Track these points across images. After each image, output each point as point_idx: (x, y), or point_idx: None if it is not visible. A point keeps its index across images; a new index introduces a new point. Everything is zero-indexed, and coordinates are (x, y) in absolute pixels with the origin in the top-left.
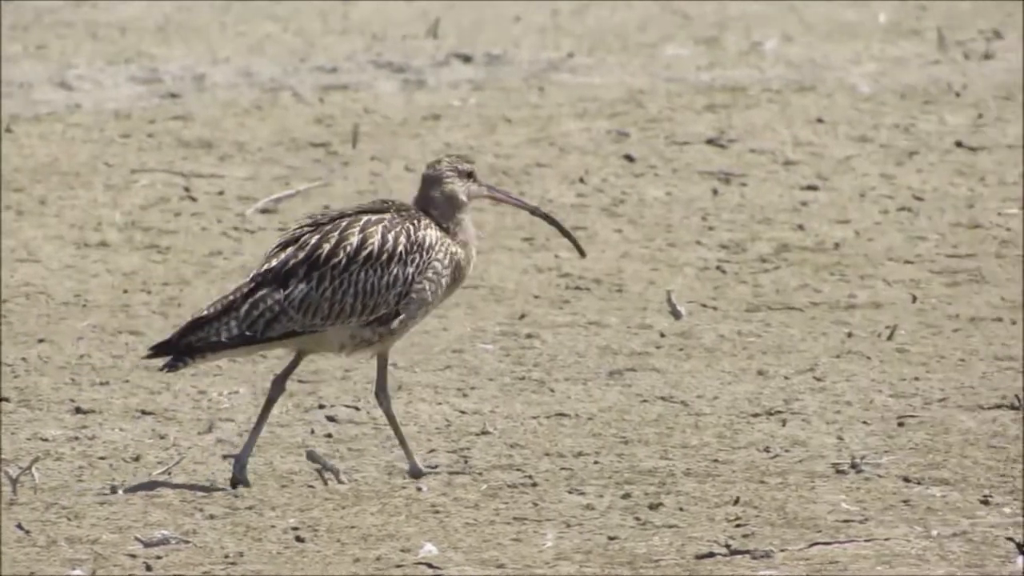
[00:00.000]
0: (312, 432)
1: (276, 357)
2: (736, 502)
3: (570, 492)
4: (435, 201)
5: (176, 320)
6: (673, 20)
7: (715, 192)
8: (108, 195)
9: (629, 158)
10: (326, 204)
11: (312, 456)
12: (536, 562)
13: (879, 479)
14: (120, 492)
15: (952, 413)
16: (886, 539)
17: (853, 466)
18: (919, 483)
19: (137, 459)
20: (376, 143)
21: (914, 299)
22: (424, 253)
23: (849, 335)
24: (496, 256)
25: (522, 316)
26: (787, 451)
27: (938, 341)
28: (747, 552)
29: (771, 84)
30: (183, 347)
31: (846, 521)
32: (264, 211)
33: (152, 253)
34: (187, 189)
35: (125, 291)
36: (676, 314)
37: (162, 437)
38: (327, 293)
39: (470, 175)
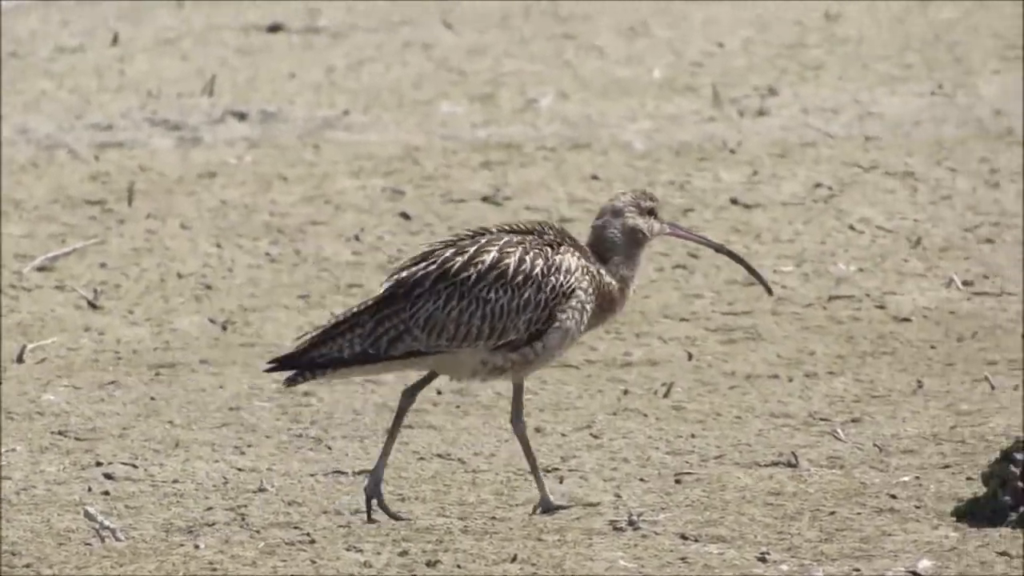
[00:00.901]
0: (89, 490)
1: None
2: (514, 559)
3: (348, 549)
4: (611, 235)
5: None
6: (448, 77)
7: None
8: None
9: (405, 216)
10: (102, 262)
11: (88, 515)
12: None
13: (656, 536)
14: None
15: (729, 470)
16: None
17: (630, 523)
18: (696, 540)
19: None
20: (152, 201)
21: (690, 356)
22: (562, 278)
23: (625, 392)
24: (272, 313)
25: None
26: (564, 508)
27: (714, 398)
28: None
29: (546, 141)
30: (305, 362)
31: None
32: (41, 269)
33: None
34: None
35: None
36: None
37: None
38: (453, 313)
39: (651, 212)
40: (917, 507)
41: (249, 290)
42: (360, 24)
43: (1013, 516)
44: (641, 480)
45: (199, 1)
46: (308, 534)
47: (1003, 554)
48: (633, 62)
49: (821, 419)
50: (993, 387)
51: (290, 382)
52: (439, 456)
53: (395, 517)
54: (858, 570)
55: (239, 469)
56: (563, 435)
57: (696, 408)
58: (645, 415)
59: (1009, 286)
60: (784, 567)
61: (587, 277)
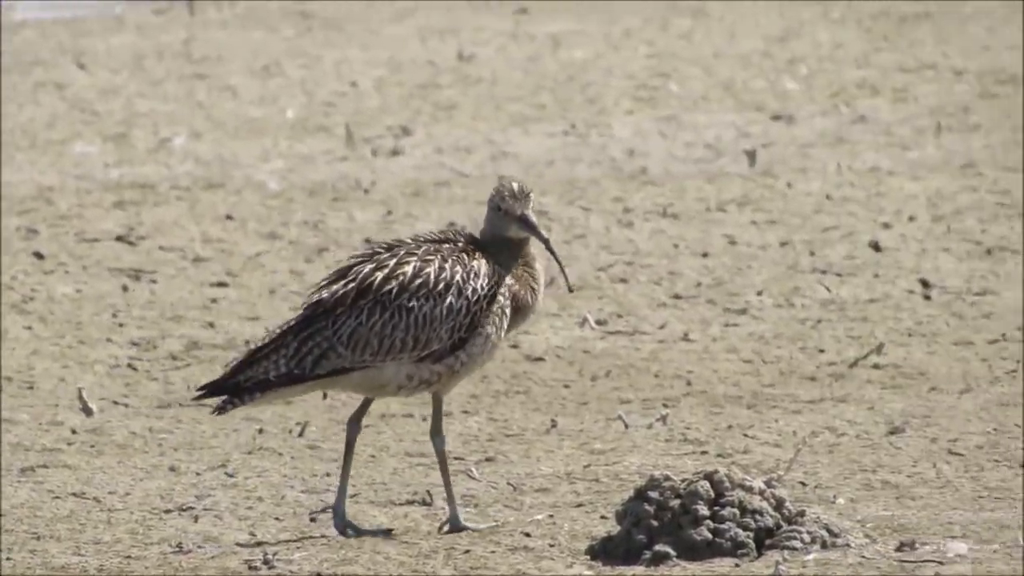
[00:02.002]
0: None
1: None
2: None
3: None
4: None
5: None
6: (81, 117)
7: (125, 289)
8: None
9: (39, 255)
10: None
11: None
12: None
13: (292, 575)
14: None
15: (364, 508)
16: None
17: (266, 562)
18: None
19: None
20: None
21: (324, 396)
22: (481, 283)
23: (260, 431)
24: None
25: None
26: (200, 547)
27: None
28: None
29: (180, 181)
30: (232, 387)
31: None
32: None
33: None
34: None
35: None
36: (87, 411)
37: None
38: (376, 327)
39: (497, 208)
40: (551, 545)
41: None
42: None
43: (647, 554)
44: (276, 519)
45: None
46: None
47: None
48: (266, 102)
49: (456, 458)
50: (627, 426)
51: (219, 410)
52: (73, 495)
53: (369, 533)
54: None
55: None
56: (198, 474)
57: (331, 447)
58: (280, 454)
59: (643, 325)
60: None
61: (502, 282)
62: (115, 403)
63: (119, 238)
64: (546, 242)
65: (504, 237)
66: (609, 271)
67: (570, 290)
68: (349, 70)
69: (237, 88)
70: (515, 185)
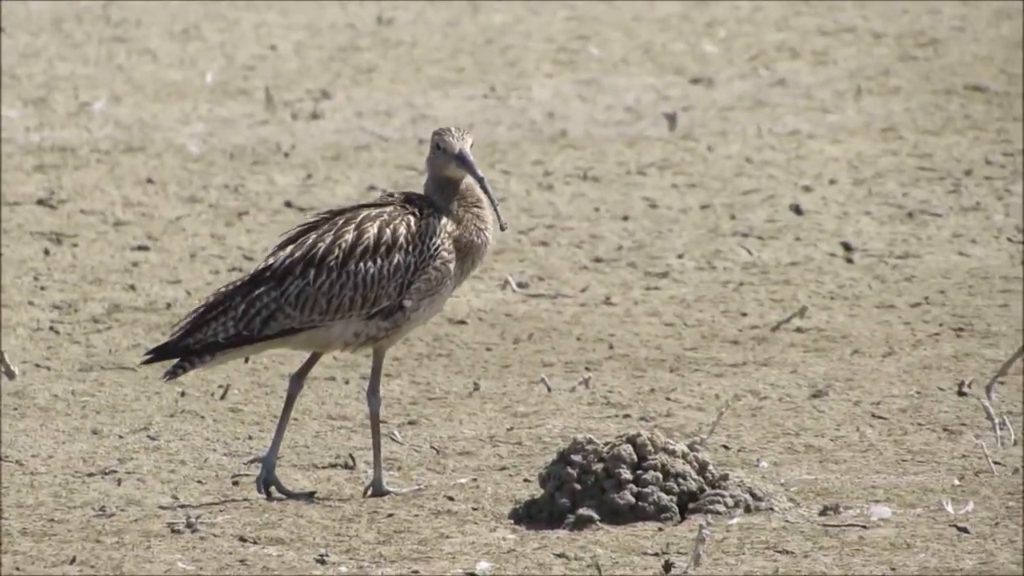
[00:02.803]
0: None
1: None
2: (73, 561)
3: None
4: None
5: None
6: (1, 80)
7: (47, 253)
8: None
9: None
10: None
11: None
12: None
13: (215, 538)
14: None
15: (286, 472)
16: None
17: (189, 525)
18: (255, 542)
19: None
20: None
21: (246, 359)
22: (428, 242)
23: (183, 394)
24: None
25: None
26: (123, 510)
27: (271, 400)
28: None
29: (100, 144)
30: (181, 350)
31: None
32: None
33: None
34: None
35: None
36: (10, 374)
37: None
38: (324, 288)
39: (438, 145)
40: (475, 509)
41: None
42: None
43: (571, 518)
44: (199, 482)
45: None
46: None
47: (561, 555)
48: (186, 65)
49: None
50: (549, 389)
51: (171, 375)
52: None
53: (293, 495)
54: (416, 572)
55: None
56: (120, 437)
57: (253, 410)
58: (202, 417)
59: (564, 288)
60: (343, 568)
61: (449, 239)
62: (37, 366)
63: (40, 202)
64: (480, 180)
65: (444, 177)
66: (530, 234)
67: (502, 228)
68: (268, 34)
69: (156, 51)
70: (454, 127)
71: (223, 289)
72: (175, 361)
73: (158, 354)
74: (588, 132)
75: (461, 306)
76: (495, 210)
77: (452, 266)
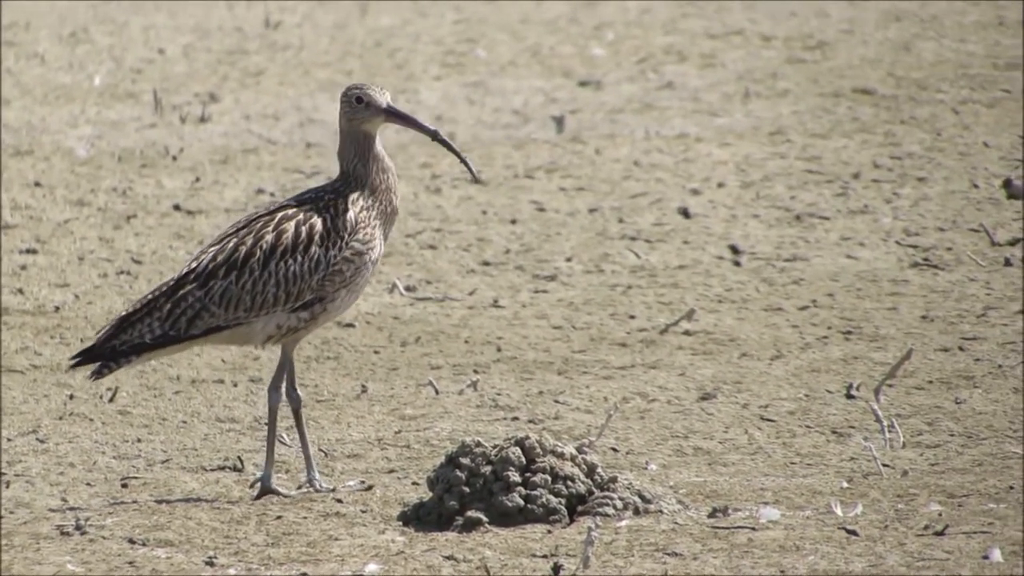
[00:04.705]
0: None
1: None
2: None
3: None
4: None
5: None
6: None
7: None
8: None
9: None
10: None
11: None
12: None
13: (104, 540)
14: None
15: (175, 474)
16: None
17: (78, 528)
18: (144, 544)
19: None
20: None
21: None
22: (343, 235)
23: (71, 397)
24: None
25: None
26: (11, 512)
27: (160, 403)
28: None
29: None
30: (108, 352)
31: None
32: None
33: None
34: None
35: None
36: None
37: None
38: (247, 285)
39: (359, 100)
40: (363, 511)
41: None
42: None
43: (459, 520)
44: (88, 484)
45: None
46: None
47: (450, 558)
48: (74, 68)
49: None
50: (437, 392)
51: (96, 375)
52: None
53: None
54: (305, 574)
55: None
56: (9, 440)
57: (142, 412)
58: (91, 419)
59: (452, 291)
60: (232, 571)
61: (367, 222)
62: None
63: None
64: (434, 134)
65: (362, 133)
66: (418, 237)
67: (476, 180)
68: (156, 36)
69: (45, 55)
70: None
71: (148, 295)
72: (99, 363)
73: (85, 357)
74: (476, 135)
75: (348, 310)
76: (464, 162)
77: (369, 254)
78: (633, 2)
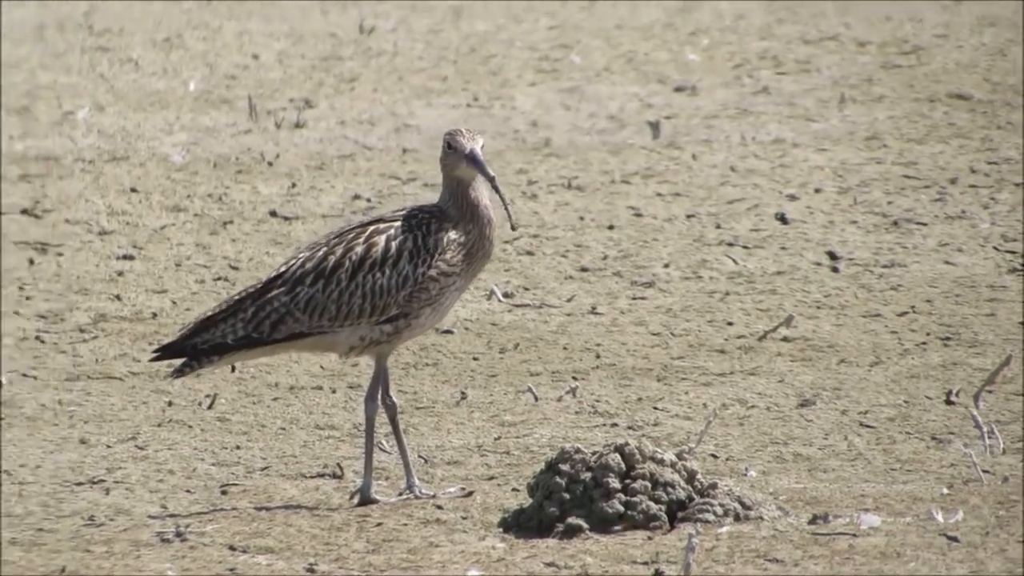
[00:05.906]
0: None
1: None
2: (62, 571)
3: None
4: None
5: None
6: None
7: (31, 262)
8: None
9: None
10: None
11: None
12: None
13: (205, 547)
14: None
15: (275, 481)
16: None
17: (178, 534)
18: (244, 551)
19: None
20: None
21: (232, 368)
22: (432, 254)
23: (170, 404)
24: None
25: None
26: (111, 520)
27: (258, 410)
28: None
29: (84, 154)
30: (188, 349)
31: None
32: None
33: None
34: None
35: None
36: None
37: None
38: (334, 295)
39: (448, 145)
40: (464, 518)
41: None
42: None
43: (559, 527)
44: (187, 491)
45: None
46: None
47: (550, 564)
48: (168, 74)
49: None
50: (536, 398)
51: (178, 373)
52: None
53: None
54: None
55: None
56: (108, 446)
57: (241, 419)
58: (190, 426)
59: (550, 298)
60: None
61: (455, 250)
62: (24, 375)
63: (24, 211)
64: (492, 179)
65: (455, 179)
66: (515, 244)
67: (514, 228)
68: (251, 42)
69: (139, 60)
70: (465, 128)
71: (233, 297)
72: (182, 360)
73: (165, 352)
74: (572, 141)
75: (447, 316)
76: (506, 209)
77: (454, 278)
78: (728, 7)
